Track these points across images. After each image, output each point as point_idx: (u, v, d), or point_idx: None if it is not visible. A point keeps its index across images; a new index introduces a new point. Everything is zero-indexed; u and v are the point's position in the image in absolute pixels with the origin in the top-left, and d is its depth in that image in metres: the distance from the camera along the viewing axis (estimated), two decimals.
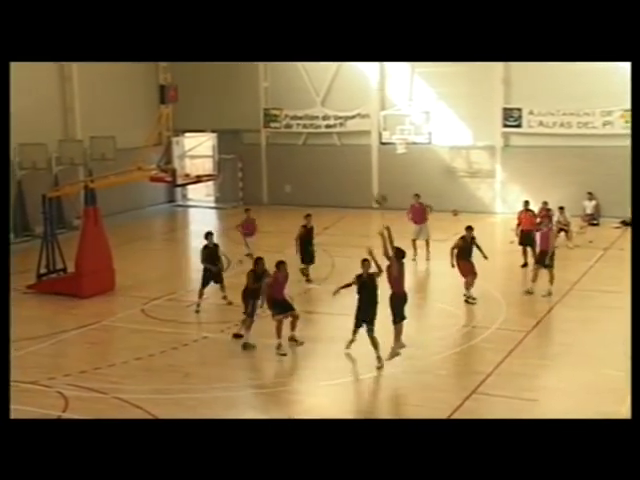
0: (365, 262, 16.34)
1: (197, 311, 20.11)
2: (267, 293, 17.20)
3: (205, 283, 20.37)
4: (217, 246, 20.96)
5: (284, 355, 16.83)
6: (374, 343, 16.05)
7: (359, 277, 16.31)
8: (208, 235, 20.68)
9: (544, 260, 20.74)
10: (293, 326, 17.44)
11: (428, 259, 25.26)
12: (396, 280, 16.09)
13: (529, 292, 20.94)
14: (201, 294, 20.32)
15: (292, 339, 17.40)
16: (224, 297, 20.56)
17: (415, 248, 25.11)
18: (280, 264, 17.47)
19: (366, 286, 16.20)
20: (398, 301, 16.07)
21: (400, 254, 16.26)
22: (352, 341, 16.79)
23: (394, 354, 15.98)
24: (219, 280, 20.67)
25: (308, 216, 22.94)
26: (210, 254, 20.47)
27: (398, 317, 16.04)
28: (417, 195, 26.44)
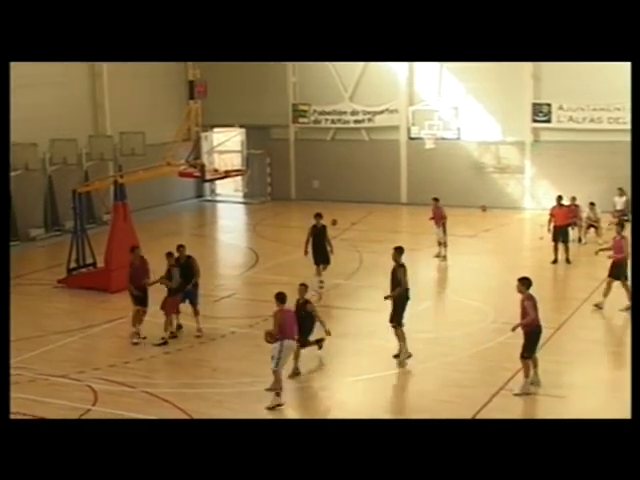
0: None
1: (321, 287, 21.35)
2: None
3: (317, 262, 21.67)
4: (325, 228, 21.81)
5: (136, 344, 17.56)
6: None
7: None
8: (317, 216, 21.60)
9: (618, 273, 19.14)
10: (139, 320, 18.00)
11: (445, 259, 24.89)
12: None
13: (599, 307, 19.29)
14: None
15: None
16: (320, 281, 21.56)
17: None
18: (134, 249, 18.41)
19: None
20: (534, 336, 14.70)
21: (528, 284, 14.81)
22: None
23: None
24: (324, 261, 21.71)
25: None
26: (318, 234, 21.55)
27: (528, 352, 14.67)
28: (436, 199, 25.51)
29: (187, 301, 18.22)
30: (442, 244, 24.74)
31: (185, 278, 18.00)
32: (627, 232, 27.16)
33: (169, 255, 18.01)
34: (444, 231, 24.81)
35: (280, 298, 14.31)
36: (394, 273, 16.19)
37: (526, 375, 14.60)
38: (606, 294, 19.30)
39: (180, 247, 18.44)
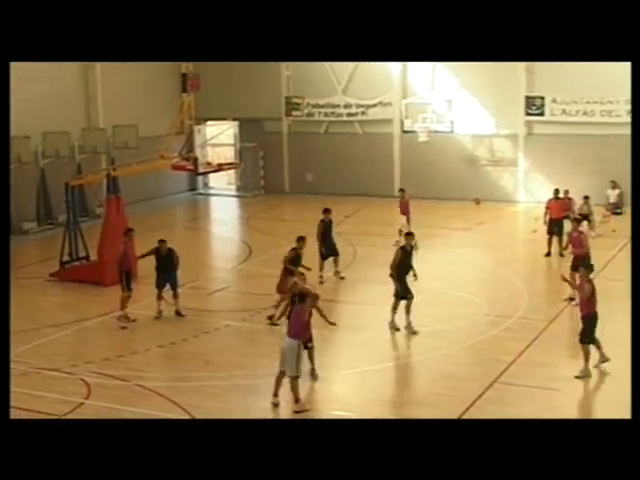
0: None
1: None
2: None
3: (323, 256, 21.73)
4: (332, 222, 22.09)
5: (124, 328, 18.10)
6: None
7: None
8: (325, 211, 21.90)
9: (581, 266, 19.51)
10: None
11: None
12: (589, 301, 14.92)
13: (572, 298, 19.07)
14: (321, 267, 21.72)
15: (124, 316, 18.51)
16: (337, 272, 21.86)
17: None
18: (128, 231, 19.07)
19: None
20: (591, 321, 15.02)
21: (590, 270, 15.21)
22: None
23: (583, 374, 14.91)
24: (335, 254, 21.85)
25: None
26: (326, 229, 21.73)
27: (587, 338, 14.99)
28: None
29: (168, 286, 18.88)
30: (401, 233, 25.17)
31: (166, 268, 18.84)
32: (621, 225, 27.35)
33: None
34: (407, 221, 25.37)
35: (299, 296, 14.09)
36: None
37: (586, 359, 14.81)
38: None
39: (161, 241, 19.04)
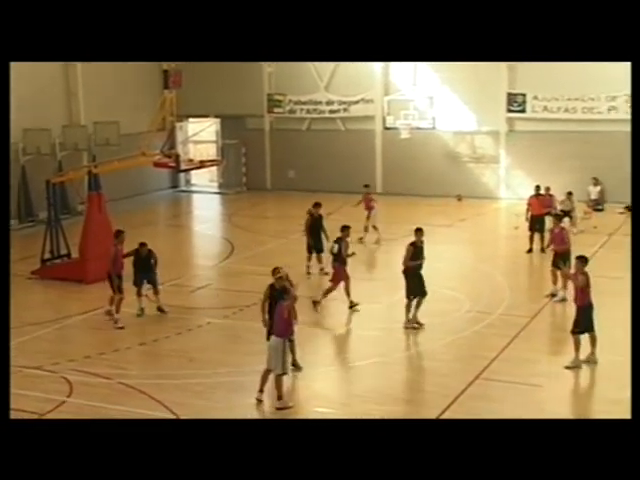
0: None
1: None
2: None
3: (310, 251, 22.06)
4: (322, 217, 22.17)
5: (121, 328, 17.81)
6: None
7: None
8: (315, 205, 22.10)
9: (559, 262, 18.85)
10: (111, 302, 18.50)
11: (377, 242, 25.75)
12: (582, 291, 15.04)
13: (553, 294, 19.45)
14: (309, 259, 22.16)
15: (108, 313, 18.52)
16: (321, 269, 21.92)
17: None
18: (120, 234, 18.93)
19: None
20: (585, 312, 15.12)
21: (585, 261, 15.23)
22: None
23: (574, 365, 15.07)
24: (319, 250, 21.96)
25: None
26: (314, 224, 21.89)
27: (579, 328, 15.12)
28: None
29: (145, 282, 18.88)
30: (375, 228, 25.78)
31: (144, 268, 18.82)
32: (602, 221, 27.49)
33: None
34: (368, 217, 25.81)
35: (280, 293, 14.16)
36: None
37: (576, 349, 14.92)
38: (555, 282, 19.50)
39: (142, 244, 19.06)
